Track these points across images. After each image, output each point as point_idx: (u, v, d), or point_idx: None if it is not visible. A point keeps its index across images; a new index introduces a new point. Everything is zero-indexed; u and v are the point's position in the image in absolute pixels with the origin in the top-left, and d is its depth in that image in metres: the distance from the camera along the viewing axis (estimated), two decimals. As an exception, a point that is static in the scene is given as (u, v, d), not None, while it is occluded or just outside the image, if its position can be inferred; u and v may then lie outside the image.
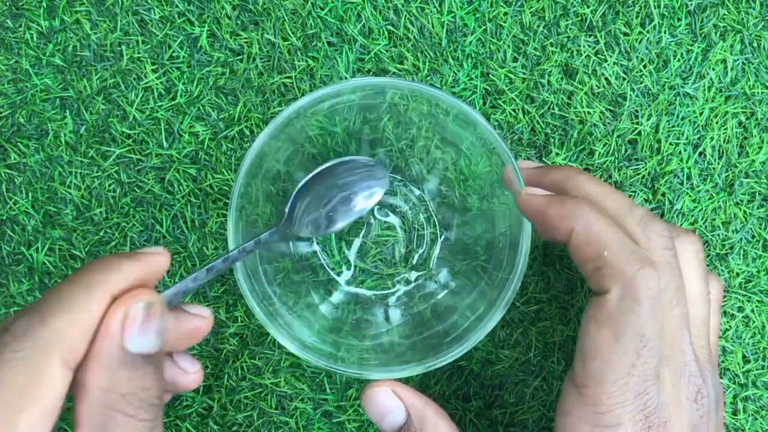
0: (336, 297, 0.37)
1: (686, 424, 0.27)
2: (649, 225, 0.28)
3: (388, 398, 0.30)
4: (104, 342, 0.23)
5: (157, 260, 0.25)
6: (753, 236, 0.39)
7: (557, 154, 0.38)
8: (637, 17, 0.39)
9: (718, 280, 0.32)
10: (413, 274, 0.38)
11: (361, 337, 0.35)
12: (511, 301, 0.30)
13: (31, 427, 0.20)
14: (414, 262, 0.38)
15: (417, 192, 0.38)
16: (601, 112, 0.39)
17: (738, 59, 0.39)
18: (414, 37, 0.39)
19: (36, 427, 0.20)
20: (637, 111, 0.39)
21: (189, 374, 0.29)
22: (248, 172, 0.31)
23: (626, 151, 0.39)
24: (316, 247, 0.38)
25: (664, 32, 0.39)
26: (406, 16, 0.39)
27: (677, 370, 0.28)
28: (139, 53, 0.39)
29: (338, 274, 0.38)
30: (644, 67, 0.39)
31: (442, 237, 0.38)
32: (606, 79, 0.39)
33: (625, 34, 0.39)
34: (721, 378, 0.38)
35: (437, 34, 0.39)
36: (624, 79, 0.39)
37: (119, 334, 0.23)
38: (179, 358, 0.29)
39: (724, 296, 0.38)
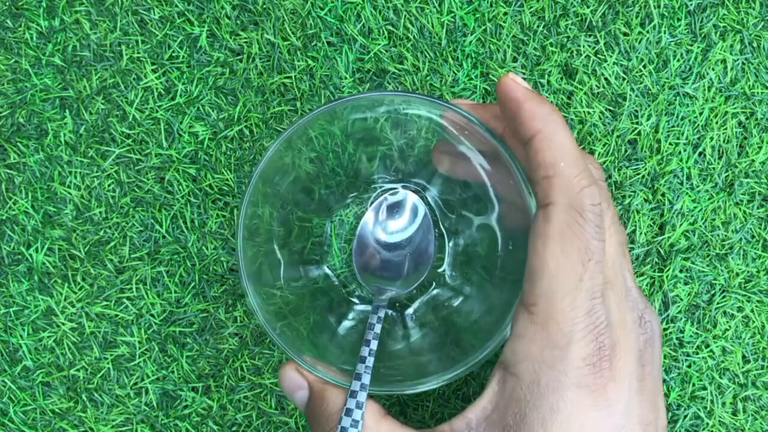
0: (352, 316, 0.37)
1: (633, 347, 0.27)
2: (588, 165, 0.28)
3: (296, 376, 0.30)
4: None
5: None
6: (753, 236, 0.39)
7: (557, 154, 0.38)
8: (636, 17, 0.39)
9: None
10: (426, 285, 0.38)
11: (384, 354, 0.34)
12: None
13: None
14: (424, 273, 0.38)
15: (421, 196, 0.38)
16: (601, 112, 0.39)
17: (738, 59, 0.39)
18: (414, 37, 0.39)
19: None
20: (636, 111, 0.39)
21: None
22: (254, 189, 0.31)
23: (626, 151, 0.39)
24: (326, 270, 0.38)
25: (664, 32, 0.39)
26: (405, 16, 0.39)
27: (620, 293, 0.28)
28: (138, 53, 0.39)
29: (350, 293, 0.38)
30: (644, 67, 0.39)
31: (451, 243, 0.37)
32: (606, 79, 0.39)
33: (625, 34, 0.39)
34: (721, 378, 0.38)
35: (437, 34, 0.39)
36: (624, 79, 0.39)
37: None
38: None
39: (724, 297, 0.38)
